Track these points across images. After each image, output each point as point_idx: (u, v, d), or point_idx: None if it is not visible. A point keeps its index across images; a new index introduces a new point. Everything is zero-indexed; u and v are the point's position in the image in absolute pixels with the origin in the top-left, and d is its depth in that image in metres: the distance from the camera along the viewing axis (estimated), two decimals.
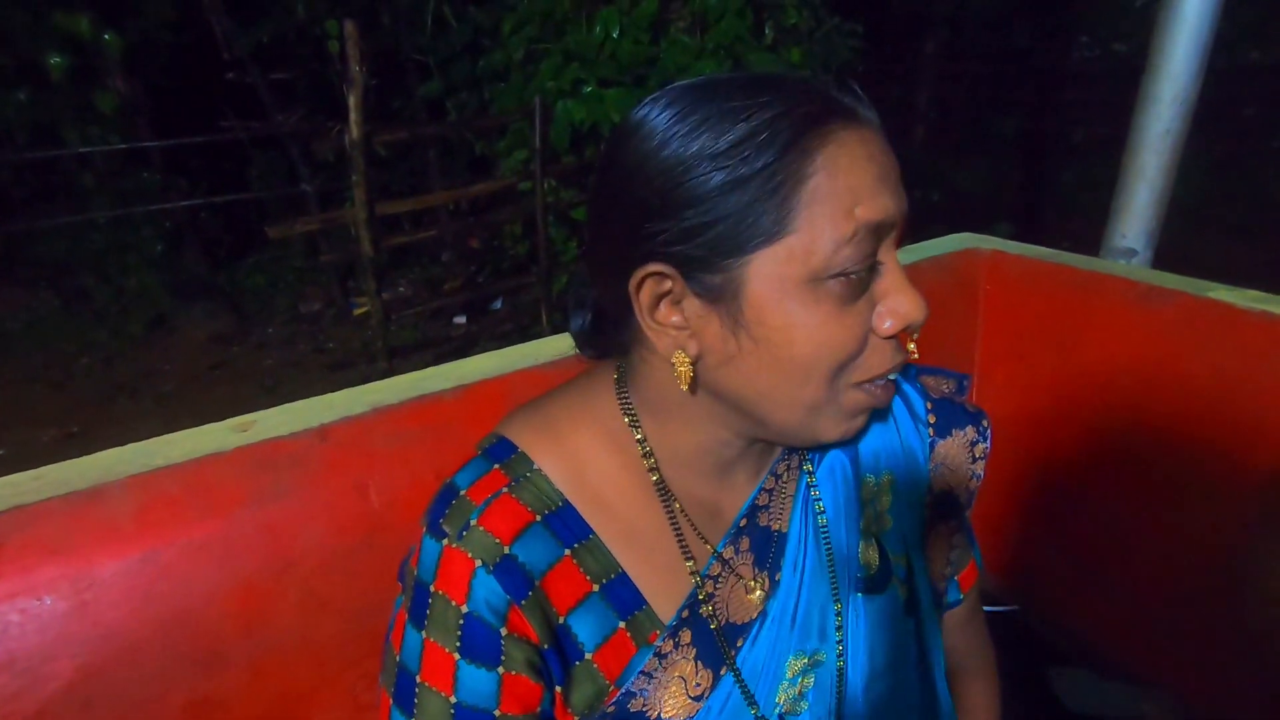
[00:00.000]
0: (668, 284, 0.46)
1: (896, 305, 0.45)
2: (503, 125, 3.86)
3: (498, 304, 4.53)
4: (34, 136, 4.33)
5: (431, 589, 0.49)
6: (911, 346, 0.48)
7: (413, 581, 0.50)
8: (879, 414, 0.59)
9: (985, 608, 0.76)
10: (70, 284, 4.72)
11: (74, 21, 3.99)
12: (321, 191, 4.85)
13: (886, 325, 0.45)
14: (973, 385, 1.30)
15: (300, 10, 4.42)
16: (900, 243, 0.47)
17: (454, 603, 0.48)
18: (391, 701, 0.50)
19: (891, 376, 0.48)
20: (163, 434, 0.78)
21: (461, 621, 0.48)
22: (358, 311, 4.49)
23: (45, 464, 0.73)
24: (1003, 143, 7.15)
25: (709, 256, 0.44)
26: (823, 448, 0.57)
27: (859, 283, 0.44)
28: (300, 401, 0.84)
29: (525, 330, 4.06)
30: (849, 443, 0.58)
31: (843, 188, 0.43)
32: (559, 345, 0.95)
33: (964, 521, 0.63)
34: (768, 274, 0.44)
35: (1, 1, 3.82)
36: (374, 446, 0.81)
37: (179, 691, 0.71)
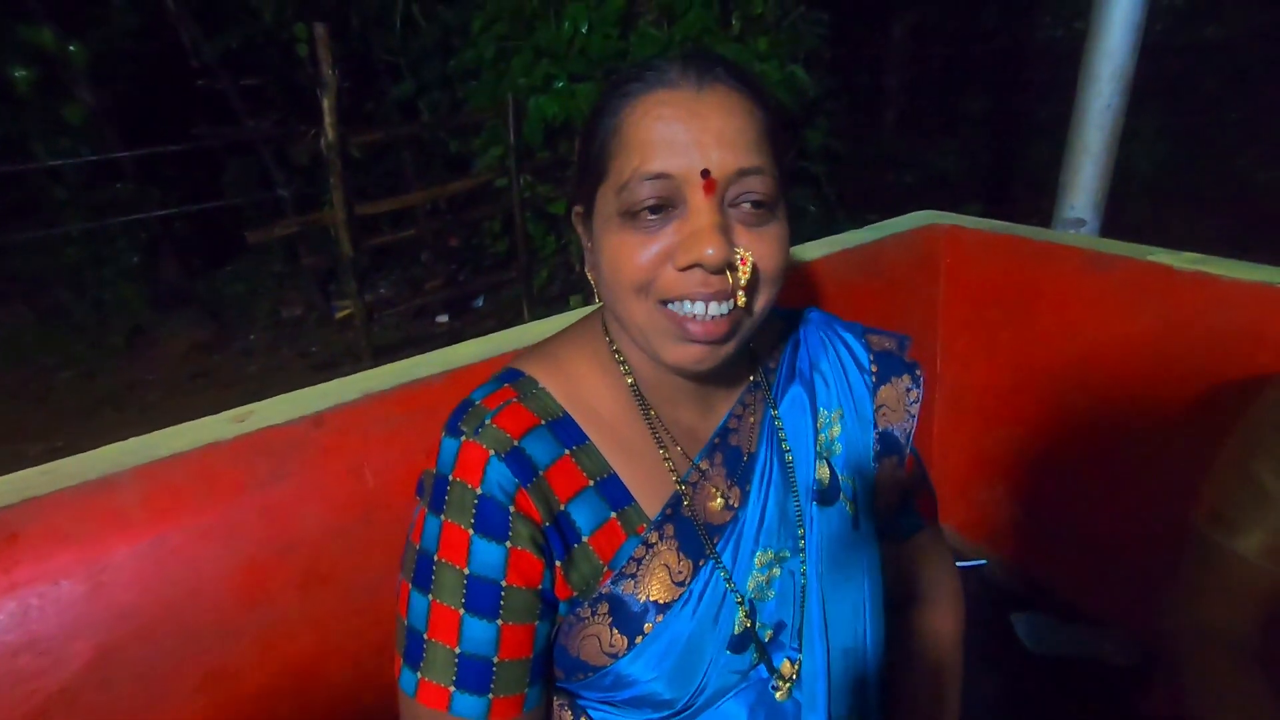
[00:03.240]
0: (580, 217, 0.60)
1: (688, 244, 0.52)
2: (476, 123, 3.88)
3: (479, 301, 4.55)
4: (2, 151, 4.27)
5: (450, 478, 0.56)
6: (740, 296, 0.53)
7: (431, 480, 0.58)
8: (831, 361, 0.70)
9: (956, 564, 0.82)
10: (46, 298, 4.67)
11: (37, 34, 3.95)
12: (297, 195, 4.83)
13: (679, 259, 0.52)
14: (936, 354, 1.36)
15: (268, 15, 4.40)
16: (714, 191, 0.52)
17: (470, 486, 0.55)
18: (410, 587, 0.57)
19: (696, 311, 0.53)
20: (141, 436, 0.82)
21: (476, 501, 0.55)
22: (340, 314, 4.49)
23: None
24: (972, 123, 7.25)
25: (585, 197, 0.58)
26: (779, 385, 0.68)
27: (657, 221, 0.52)
28: (295, 391, 0.88)
29: (508, 325, 4.06)
30: (804, 381, 0.68)
31: (634, 141, 0.53)
32: (539, 331, 1.00)
33: (905, 458, 0.72)
34: (600, 207, 0.56)
35: None
36: (368, 431, 0.86)
37: (192, 666, 0.76)
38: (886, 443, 0.70)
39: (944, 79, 7.71)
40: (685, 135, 0.51)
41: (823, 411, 0.68)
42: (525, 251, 3.71)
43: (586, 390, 0.63)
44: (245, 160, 5.07)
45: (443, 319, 4.40)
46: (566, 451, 0.59)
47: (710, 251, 0.50)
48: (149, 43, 4.60)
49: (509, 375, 0.63)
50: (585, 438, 0.60)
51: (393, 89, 4.79)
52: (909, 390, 0.71)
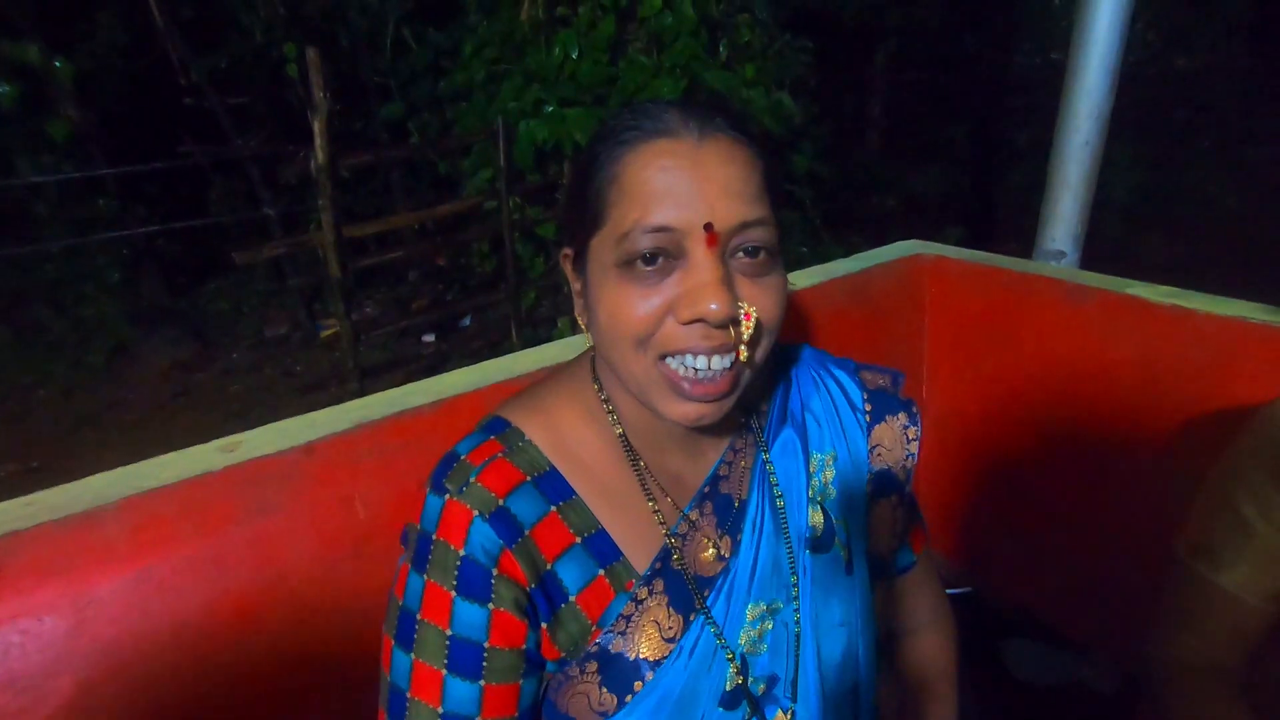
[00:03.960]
0: (569, 260, 0.59)
1: (691, 297, 0.51)
2: (466, 146, 3.90)
3: (467, 321, 4.54)
4: None
5: (434, 537, 0.55)
6: (743, 350, 0.53)
7: (416, 536, 0.57)
8: (824, 401, 0.69)
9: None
10: (24, 316, 4.60)
11: (22, 50, 3.93)
12: (284, 215, 4.81)
13: (681, 313, 0.51)
14: (921, 382, 1.38)
15: (258, 34, 4.41)
16: (716, 244, 0.51)
17: (453, 547, 0.55)
18: (393, 642, 0.56)
19: (698, 365, 0.53)
20: (127, 465, 0.81)
21: (459, 563, 0.54)
22: (325, 334, 4.46)
23: (4, 499, 0.75)
24: (953, 148, 7.40)
25: (577, 243, 0.57)
26: (770, 428, 0.67)
27: (656, 273, 0.52)
28: (286, 420, 0.88)
29: (495, 346, 4.08)
30: (795, 424, 0.67)
31: (634, 191, 0.52)
32: (533, 359, 1.01)
33: (905, 496, 0.71)
34: (594, 255, 0.55)
35: None
36: (358, 461, 0.86)
37: (177, 703, 0.74)
38: (882, 483, 0.70)
39: (925, 105, 7.87)
40: (688, 187, 0.51)
41: (815, 455, 0.67)
42: (514, 273, 3.72)
43: (574, 440, 0.62)
44: (232, 178, 5.05)
45: (429, 339, 4.39)
46: (553, 508, 0.58)
47: (714, 306, 0.49)
48: (137, 60, 4.58)
49: (495, 426, 0.62)
50: (572, 492, 0.59)
51: (382, 109, 4.81)
52: (906, 428, 0.71)
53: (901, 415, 0.71)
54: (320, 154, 2.84)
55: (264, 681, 0.79)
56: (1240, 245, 4.90)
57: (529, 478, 0.58)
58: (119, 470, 0.80)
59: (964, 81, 7.81)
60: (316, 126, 2.80)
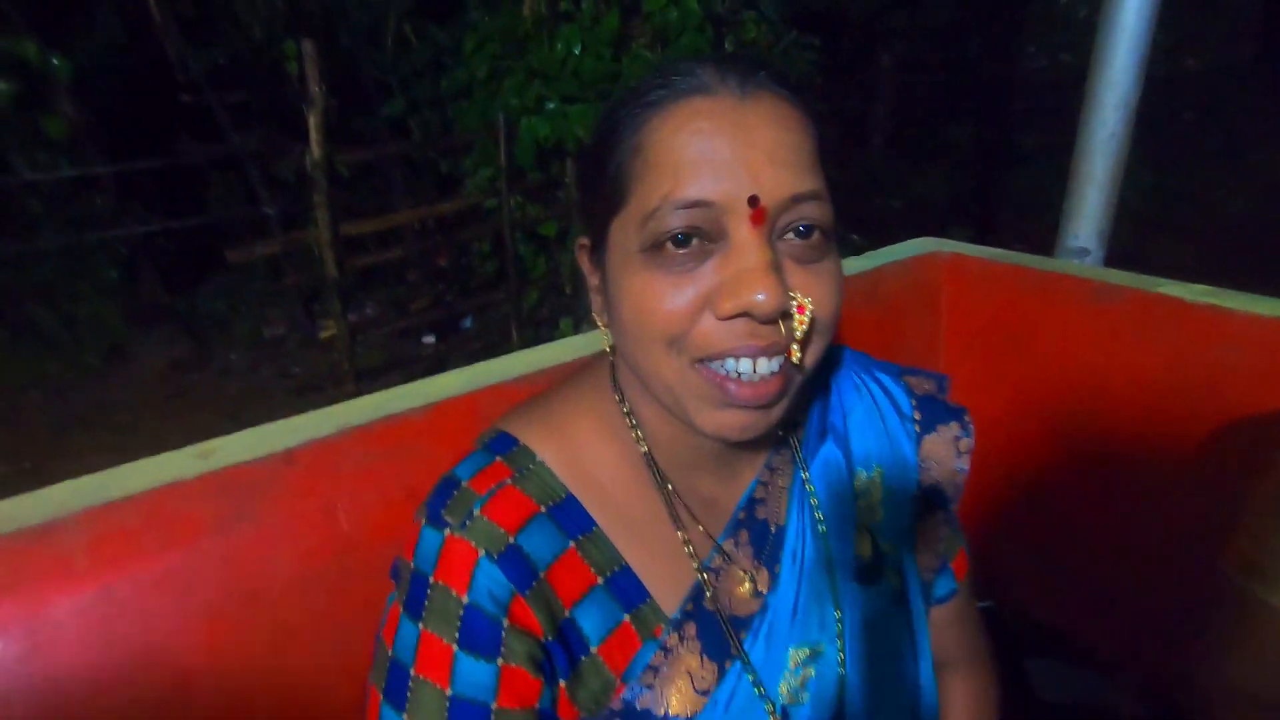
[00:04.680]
0: (586, 251, 0.51)
1: (734, 287, 0.43)
2: (467, 143, 3.85)
3: (467, 322, 4.49)
4: None
5: (431, 579, 0.48)
6: (794, 350, 0.45)
7: (409, 573, 0.49)
8: (868, 410, 0.61)
9: None
10: (18, 314, 4.55)
11: (19, 46, 3.89)
12: (283, 213, 4.76)
13: (721, 306, 0.43)
14: None
15: (257, 31, 4.37)
16: (764, 221, 0.43)
17: (454, 592, 0.47)
18: (381, 699, 0.49)
19: (741, 369, 0.45)
20: (92, 474, 0.76)
21: (462, 612, 0.47)
22: (323, 334, 4.41)
23: None
24: (958, 150, 7.35)
25: (595, 229, 0.49)
26: (810, 443, 0.59)
27: (689, 257, 0.44)
28: (265, 425, 0.82)
29: (495, 348, 4.03)
30: (838, 437, 0.59)
31: (663, 161, 0.43)
32: (528, 360, 0.95)
33: (951, 515, 0.65)
34: (615, 241, 0.47)
35: None
36: (342, 468, 0.80)
37: None
38: (931, 500, 0.62)
39: (930, 107, 7.82)
40: (728, 153, 0.42)
41: (860, 473, 0.59)
42: (515, 273, 3.66)
43: (592, 460, 0.54)
44: (230, 176, 5.01)
45: (429, 339, 4.34)
46: (572, 543, 0.50)
47: (762, 297, 0.41)
48: (134, 57, 4.54)
49: (500, 443, 0.54)
50: (592, 523, 0.52)
51: (383, 107, 4.76)
52: (958, 439, 0.62)
53: (953, 425, 0.63)
54: (316, 149, 2.79)
55: (238, 707, 0.73)
56: (1248, 249, 4.85)
57: (543, 508, 0.50)
58: (85, 478, 0.74)
59: (969, 84, 7.75)
60: (312, 121, 2.75)
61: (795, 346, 0.45)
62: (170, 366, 4.36)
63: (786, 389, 0.47)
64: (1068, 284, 1.17)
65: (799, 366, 0.46)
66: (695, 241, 0.44)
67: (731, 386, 0.45)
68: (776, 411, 0.47)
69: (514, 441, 0.54)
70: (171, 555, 0.71)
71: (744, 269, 0.43)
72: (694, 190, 0.42)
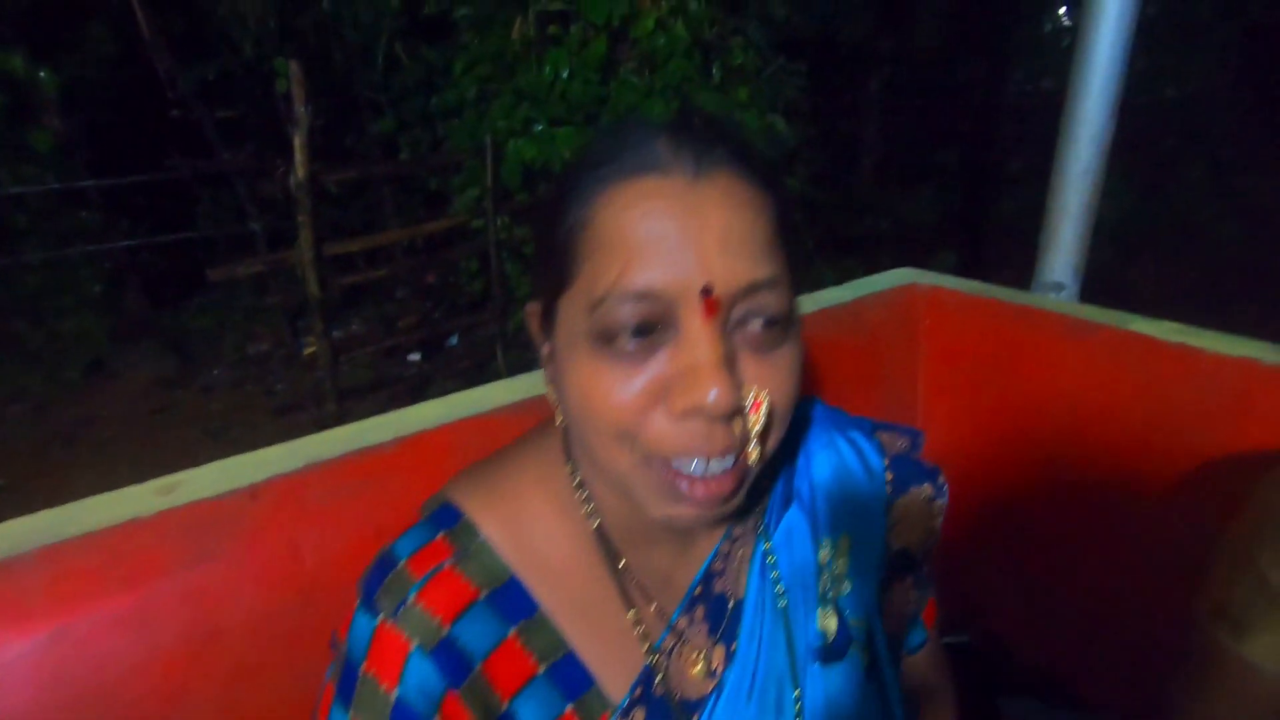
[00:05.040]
0: (536, 317, 0.49)
1: (685, 384, 0.40)
2: (456, 163, 3.87)
3: (454, 340, 4.47)
4: None
5: (361, 670, 0.46)
6: (751, 450, 0.43)
7: (342, 657, 0.48)
8: (837, 472, 0.58)
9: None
10: (0, 328, 4.50)
11: (7, 59, 3.88)
12: (271, 230, 4.75)
13: (673, 403, 0.41)
14: (917, 417, 1.33)
15: (248, 49, 4.38)
16: (716, 312, 0.40)
17: (383, 688, 0.45)
18: None
19: (694, 469, 0.42)
20: (98, 484, 0.74)
21: (390, 709, 0.45)
22: (307, 351, 4.38)
23: None
24: (945, 173, 7.44)
25: (545, 299, 0.46)
26: (773, 510, 0.56)
27: (641, 347, 0.41)
28: (230, 459, 0.81)
29: (481, 367, 4.01)
30: (803, 504, 0.56)
31: (611, 242, 0.41)
32: (504, 392, 0.94)
33: (921, 574, 0.63)
34: (564, 319, 0.44)
35: None
36: (308, 504, 0.79)
37: None
38: (900, 564, 0.60)
39: (917, 131, 7.93)
40: (679, 238, 0.40)
41: (825, 542, 0.56)
42: (501, 293, 3.66)
43: (540, 537, 0.51)
44: (218, 193, 5.00)
45: (414, 358, 4.32)
46: (512, 630, 0.48)
47: (713, 396, 0.39)
48: (124, 72, 4.55)
49: (444, 517, 0.51)
50: (535, 607, 0.49)
51: (373, 124, 4.78)
52: (932, 501, 0.60)
53: (926, 486, 0.60)
54: (300, 169, 2.78)
55: None
56: (1229, 272, 4.92)
57: (483, 593, 0.48)
58: (42, 514, 0.73)
59: (956, 108, 7.88)
60: (297, 141, 2.75)
61: (752, 444, 0.43)
62: (153, 382, 4.31)
63: (742, 482, 0.45)
64: (1043, 318, 1.18)
65: (756, 460, 0.45)
66: (646, 332, 0.41)
67: (683, 484, 0.43)
68: (732, 504, 0.45)
69: (458, 515, 0.51)
70: (129, 594, 0.69)
71: (695, 364, 0.40)
72: (643, 279, 0.40)
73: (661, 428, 0.42)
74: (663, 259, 0.40)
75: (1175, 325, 1.06)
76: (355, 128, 5.01)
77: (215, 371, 4.48)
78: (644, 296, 0.40)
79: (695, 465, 0.42)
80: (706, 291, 0.40)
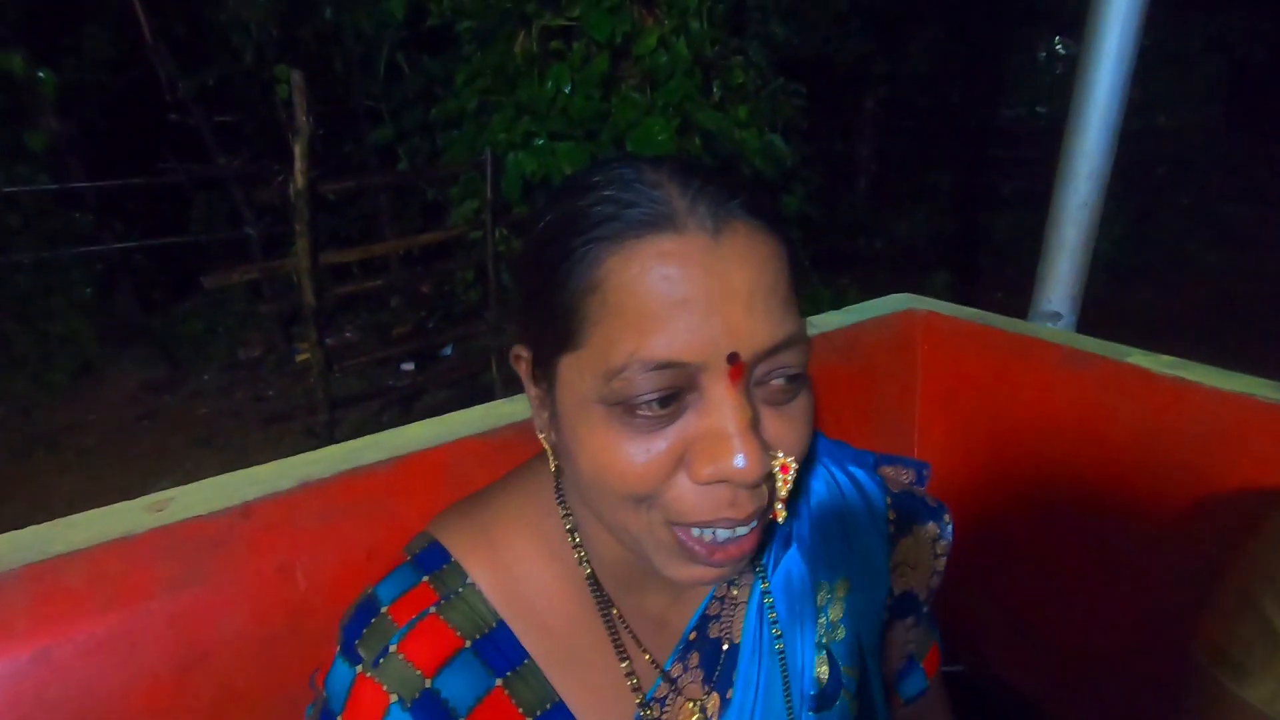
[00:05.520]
0: (524, 363, 0.46)
1: (711, 451, 0.38)
2: (454, 174, 3.87)
3: (448, 350, 4.46)
4: None
5: None
6: (779, 510, 0.42)
7: (321, 704, 0.46)
8: (838, 512, 0.56)
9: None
10: None
11: (5, 58, 3.86)
12: (266, 236, 4.74)
13: (699, 472, 0.39)
14: (914, 444, 1.33)
15: (248, 55, 4.38)
16: (742, 377, 0.38)
17: None
18: None
19: (721, 533, 0.40)
20: (83, 489, 0.73)
21: None
22: (300, 358, 4.35)
23: None
24: (938, 195, 7.51)
25: (539, 350, 0.44)
26: (772, 551, 0.54)
27: (663, 414, 0.38)
28: (222, 476, 0.80)
29: (475, 378, 3.99)
30: (802, 545, 0.54)
31: (626, 309, 0.38)
32: (499, 412, 0.93)
33: (922, 615, 0.61)
34: (568, 379, 0.41)
35: None
36: (301, 524, 0.77)
37: None
38: (902, 606, 0.58)
39: (913, 152, 8.01)
40: (703, 303, 0.37)
41: (823, 586, 0.54)
42: (497, 304, 3.65)
43: (528, 582, 0.49)
44: (214, 198, 4.98)
45: (408, 367, 4.29)
46: (498, 682, 0.46)
47: (742, 464, 0.37)
48: (123, 74, 4.54)
49: (430, 559, 0.49)
50: (524, 655, 0.47)
51: (372, 134, 4.78)
52: (936, 541, 0.59)
53: (931, 525, 0.58)
54: (300, 178, 2.77)
55: None
56: (1217, 300, 4.98)
57: (468, 642, 0.46)
58: (26, 531, 0.71)
59: (950, 131, 7.97)
60: (297, 150, 2.75)
61: (780, 506, 0.42)
62: (141, 387, 4.27)
63: (762, 539, 0.44)
64: (1040, 348, 1.18)
65: (778, 517, 0.44)
66: (668, 401, 0.39)
67: (702, 551, 0.41)
68: (748, 559, 0.43)
69: (445, 556, 0.49)
70: (114, 616, 0.67)
71: (721, 431, 0.38)
72: (664, 349, 0.37)
73: (684, 494, 0.40)
74: (686, 326, 0.37)
75: (1172, 359, 1.07)
76: (354, 136, 5.01)
77: (205, 377, 4.44)
78: (667, 366, 0.37)
79: (722, 534, 0.41)
80: (733, 358, 0.38)
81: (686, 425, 0.39)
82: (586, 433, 0.40)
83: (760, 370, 0.40)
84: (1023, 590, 1.20)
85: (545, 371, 0.44)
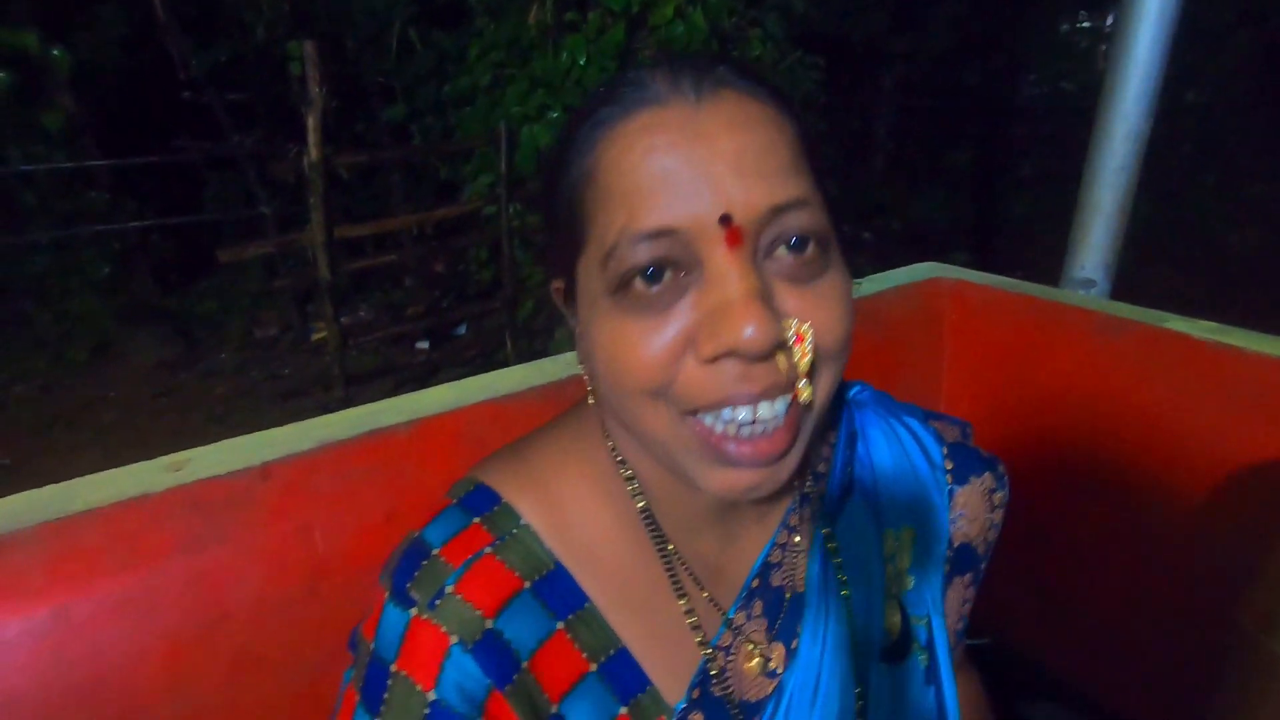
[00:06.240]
0: (561, 294, 0.46)
1: (714, 323, 0.36)
2: (468, 149, 3.84)
3: (462, 329, 4.45)
4: None
5: (392, 669, 0.42)
6: (802, 388, 0.38)
7: (367, 656, 0.43)
8: (898, 461, 0.54)
9: None
10: (6, 308, 4.49)
11: (20, 37, 3.86)
12: (280, 214, 4.73)
13: (703, 347, 0.37)
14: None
15: (260, 32, 4.35)
16: (740, 241, 0.37)
17: (419, 687, 0.41)
18: None
19: (740, 418, 0.38)
20: (100, 466, 0.72)
21: (427, 710, 0.41)
22: (315, 337, 4.36)
23: None
24: (957, 174, 7.38)
25: (564, 270, 0.43)
26: (832, 498, 0.51)
27: (663, 294, 0.37)
28: (241, 437, 0.79)
29: (490, 356, 3.98)
30: (864, 491, 0.52)
31: (615, 188, 0.37)
32: (518, 377, 0.92)
33: (980, 571, 0.59)
34: (583, 284, 0.41)
35: None
36: (320, 486, 0.76)
37: None
38: (961, 560, 0.56)
39: (931, 130, 7.87)
40: (687, 169, 0.36)
41: (889, 533, 0.52)
42: (511, 281, 3.63)
43: (582, 521, 0.46)
44: (227, 176, 4.98)
45: (422, 345, 4.29)
46: (560, 625, 0.44)
47: (749, 331, 0.35)
48: (136, 53, 4.52)
49: (479, 500, 0.46)
50: (585, 599, 0.45)
51: (385, 111, 4.75)
52: (993, 492, 0.56)
53: (987, 476, 0.56)
54: (313, 151, 2.75)
55: None
56: (1246, 280, 4.87)
57: (528, 583, 0.44)
58: (46, 489, 0.70)
59: (969, 109, 7.81)
60: (310, 123, 2.73)
61: (802, 383, 0.38)
62: (158, 365, 4.30)
63: (796, 437, 0.40)
64: (1073, 315, 1.15)
65: (809, 406, 0.40)
66: (668, 274, 0.37)
67: (731, 446, 0.38)
68: (789, 462, 0.40)
69: (495, 498, 0.47)
70: (133, 575, 0.67)
71: (724, 301, 0.36)
72: (653, 218, 0.36)
73: (693, 376, 0.38)
74: (673, 193, 0.36)
75: (1212, 324, 1.03)
76: (367, 113, 4.98)
77: (221, 355, 4.47)
78: (657, 235, 0.36)
79: (742, 414, 0.38)
80: (725, 220, 0.36)
81: (690, 305, 0.38)
82: (598, 331, 0.40)
83: (766, 238, 0.38)
84: (1052, 562, 1.17)
85: (572, 294, 0.44)
